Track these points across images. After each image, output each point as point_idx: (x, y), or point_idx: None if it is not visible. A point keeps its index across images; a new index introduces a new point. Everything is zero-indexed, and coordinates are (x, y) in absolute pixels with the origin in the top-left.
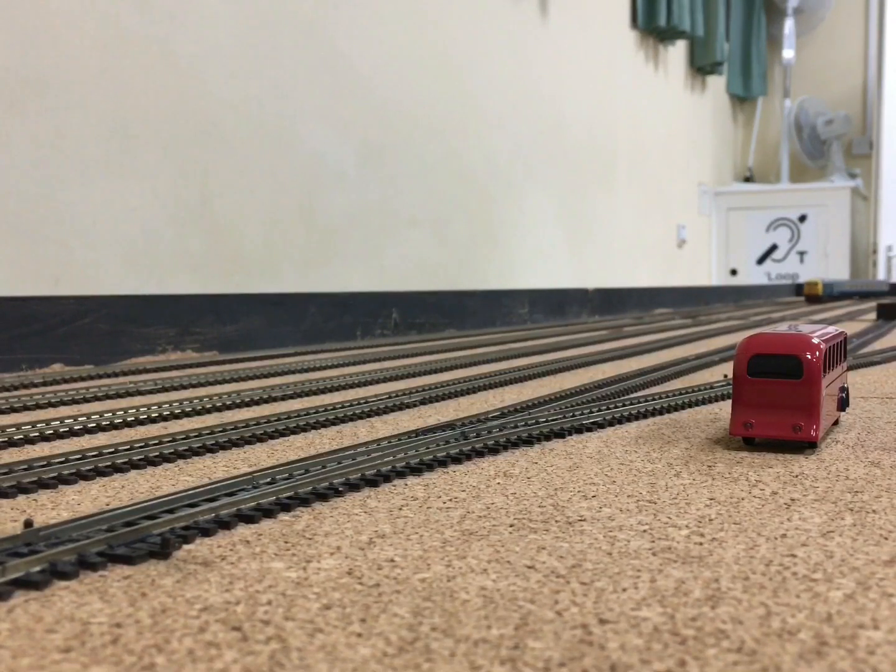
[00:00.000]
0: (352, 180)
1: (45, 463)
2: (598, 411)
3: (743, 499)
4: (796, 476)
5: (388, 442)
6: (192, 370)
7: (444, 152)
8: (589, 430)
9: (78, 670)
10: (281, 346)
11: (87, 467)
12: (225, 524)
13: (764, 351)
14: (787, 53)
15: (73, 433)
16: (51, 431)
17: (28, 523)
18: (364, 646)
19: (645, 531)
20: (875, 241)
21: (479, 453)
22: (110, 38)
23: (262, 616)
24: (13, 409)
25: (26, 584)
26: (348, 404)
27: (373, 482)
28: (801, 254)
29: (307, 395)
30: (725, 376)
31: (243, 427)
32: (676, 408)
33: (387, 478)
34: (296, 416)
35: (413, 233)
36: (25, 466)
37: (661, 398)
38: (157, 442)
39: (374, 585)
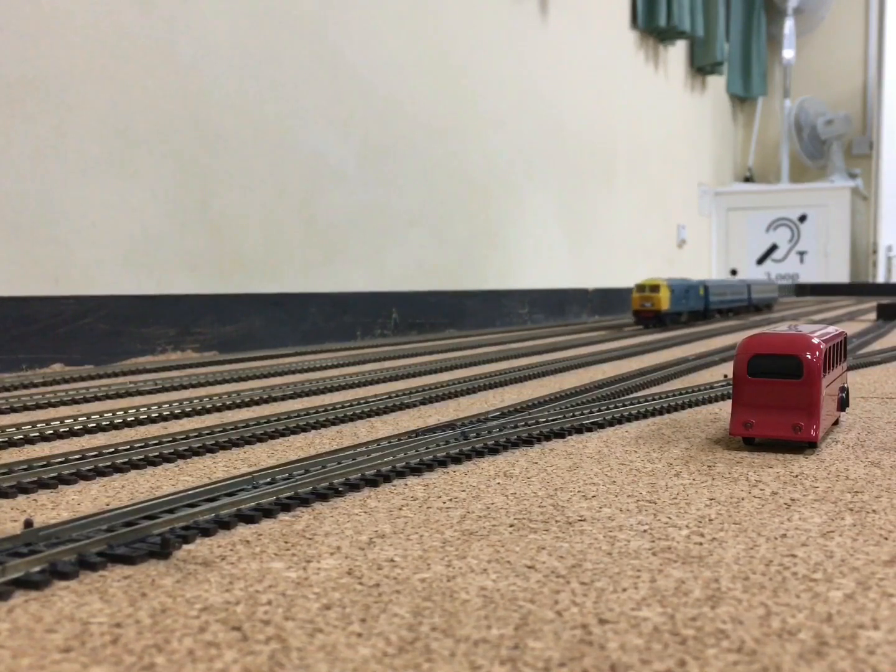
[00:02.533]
0: (352, 180)
1: (45, 463)
2: (598, 411)
3: (743, 499)
4: (796, 476)
5: (388, 442)
6: (192, 370)
7: (445, 152)
8: (589, 430)
9: (78, 670)
10: (281, 346)
11: (87, 467)
12: (225, 524)
13: (764, 351)
14: (787, 53)
15: (73, 433)
16: (51, 431)
17: (28, 523)
18: (364, 646)
19: (645, 531)
20: (875, 241)
21: (479, 453)
22: (110, 38)
23: (262, 616)
24: (13, 409)
25: (26, 584)
26: (348, 404)
27: (373, 482)
28: (801, 254)
29: (307, 395)
30: (725, 376)
31: (243, 427)
32: (676, 408)
33: (387, 478)
34: (296, 416)
35: (413, 233)
36: (25, 466)
37: (661, 398)
38: (157, 442)
39: (374, 585)
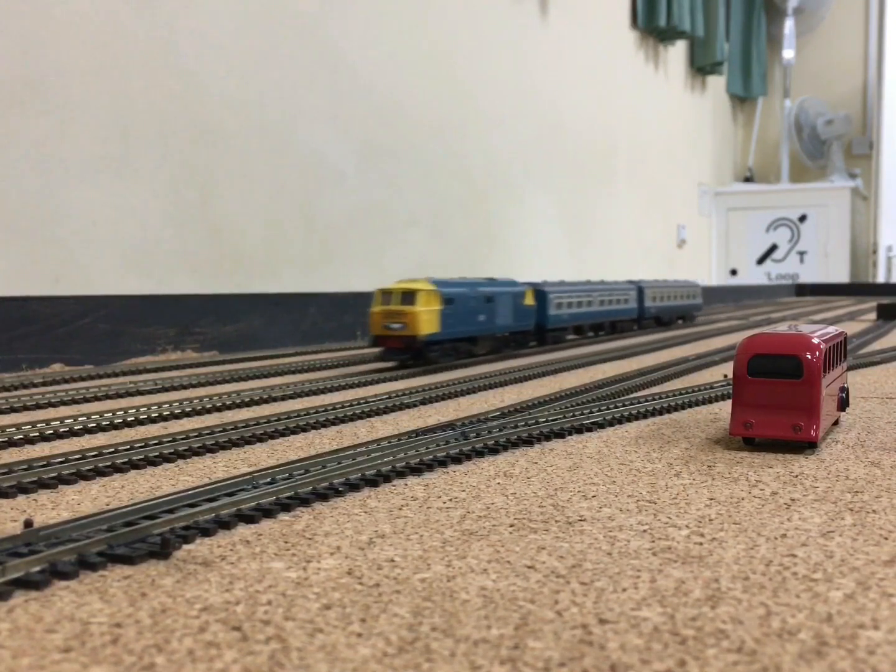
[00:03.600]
0: (352, 180)
1: (45, 463)
2: (598, 411)
3: (743, 499)
4: (796, 476)
5: (388, 442)
6: (192, 370)
7: (444, 152)
8: (589, 430)
9: (78, 670)
10: (281, 346)
11: (87, 467)
12: (225, 524)
13: (764, 351)
14: (787, 53)
15: (73, 433)
16: (51, 431)
17: (28, 523)
18: (364, 646)
19: (645, 531)
20: (875, 241)
21: (479, 453)
22: (110, 39)
23: (262, 616)
24: (13, 409)
25: (26, 584)
26: (348, 404)
27: (373, 482)
28: (801, 254)
29: (307, 395)
30: (725, 376)
31: (243, 427)
32: (676, 408)
33: (387, 478)
34: (296, 416)
35: (413, 233)
36: (25, 466)
37: (661, 398)
38: (157, 442)
39: (374, 585)
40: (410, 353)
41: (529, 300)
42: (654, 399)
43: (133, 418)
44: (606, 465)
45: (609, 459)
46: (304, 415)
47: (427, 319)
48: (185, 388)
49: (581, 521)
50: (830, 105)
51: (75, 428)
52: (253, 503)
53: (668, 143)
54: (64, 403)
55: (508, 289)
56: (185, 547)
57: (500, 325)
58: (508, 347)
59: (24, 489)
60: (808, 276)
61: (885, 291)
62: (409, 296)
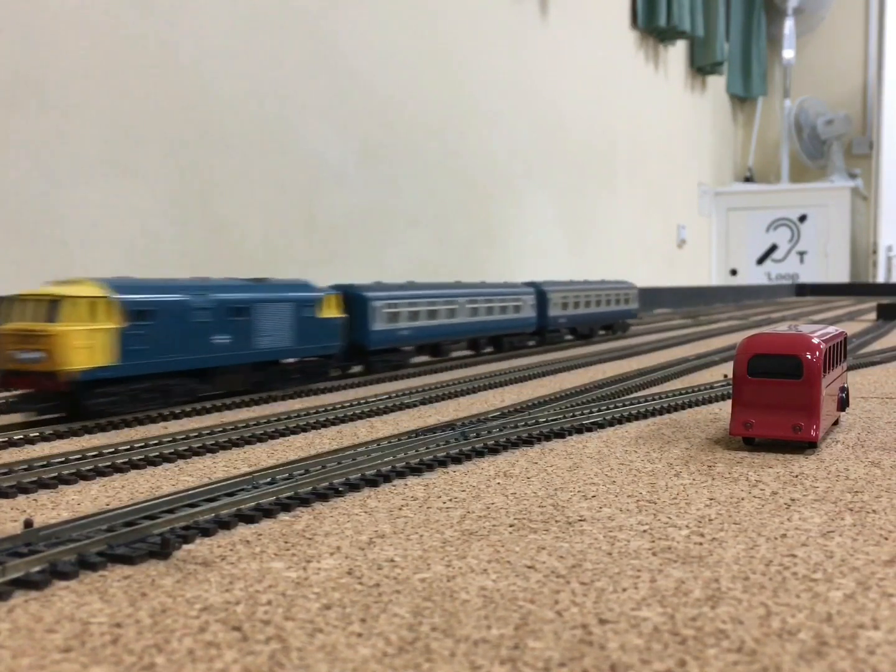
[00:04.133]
0: (352, 180)
1: (45, 463)
2: (598, 411)
3: (743, 499)
4: (796, 476)
5: (388, 442)
6: None
7: (444, 152)
8: (589, 430)
9: (78, 670)
10: None
11: (87, 467)
12: (225, 524)
13: (764, 351)
14: (787, 53)
15: (73, 433)
16: (51, 431)
17: (28, 523)
18: (364, 646)
19: (645, 531)
20: (875, 241)
21: (479, 453)
22: (110, 39)
23: (262, 616)
24: (13, 409)
25: (26, 584)
26: (348, 404)
27: (373, 482)
28: (801, 254)
29: (307, 395)
30: (725, 376)
31: (243, 427)
32: (676, 408)
33: (387, 478)
34: (296, 416)
35: (413, 232)
36: (25, 466)
37: (661, 398)
38: (157, 442)
39: (374, 585)
40: (57, 400)
41: (331, 311)
42: (654, 399)
43: (133, 418)
44: (606, 465)
45: (609, 459)
46: (304, 415)
47: (84, 345)
48: None
49: (581, 521)
50: (830, 105)
51: (75, 428)
52: (253, 503)
53: (668, 143)
54: None
55: (284, 294)
56: (185, 547)
57: (267, 350)
58: (289, 382)
59: (24, 489)
60: (808, 276)
61: (885, 291)
62: (53, 306)
